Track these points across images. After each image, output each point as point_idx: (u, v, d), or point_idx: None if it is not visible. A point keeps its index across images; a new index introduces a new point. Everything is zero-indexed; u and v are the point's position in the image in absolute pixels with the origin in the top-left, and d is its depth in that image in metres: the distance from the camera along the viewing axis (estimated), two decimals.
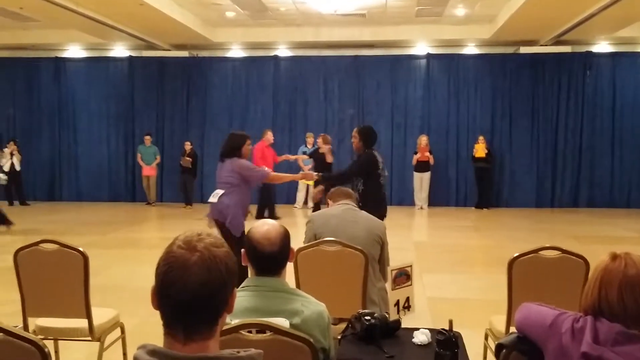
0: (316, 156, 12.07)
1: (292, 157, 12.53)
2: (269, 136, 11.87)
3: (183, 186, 14.43)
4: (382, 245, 3.93)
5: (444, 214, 13.51)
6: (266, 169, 6.43)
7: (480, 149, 14.02)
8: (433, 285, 6.80)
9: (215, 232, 5.20)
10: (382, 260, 3.93)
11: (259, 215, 11.55)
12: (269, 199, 11.82)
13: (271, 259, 2.25)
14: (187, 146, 14.42)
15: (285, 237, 2.30)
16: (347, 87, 15.11)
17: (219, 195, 5.51)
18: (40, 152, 15.75)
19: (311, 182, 7.09)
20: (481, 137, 14.12)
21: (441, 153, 14.59)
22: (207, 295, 1.39)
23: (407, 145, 14.69)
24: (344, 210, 4.02)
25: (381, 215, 5.40)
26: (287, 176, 7.50)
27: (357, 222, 3.91)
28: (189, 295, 1.37)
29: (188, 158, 14.21)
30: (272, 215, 11.47)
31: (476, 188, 14.40)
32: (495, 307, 4.01)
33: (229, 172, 5.53)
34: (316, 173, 6.67)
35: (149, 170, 14.59)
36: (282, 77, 15.30)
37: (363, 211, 4.14)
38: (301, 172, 8.82)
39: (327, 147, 11.87)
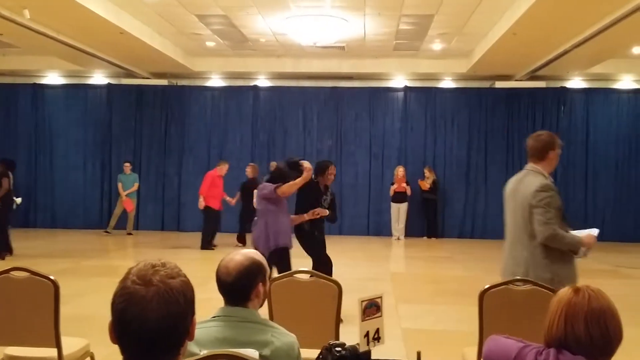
0: (245, 187, 12.03)
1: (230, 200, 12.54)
2: (224, 168, 12.22)
3: None
4: None
5: (420, 245, 13.57)
6: None
7: (423, 184, 14.27)
8: (409, 316, 6.81)
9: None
10: None
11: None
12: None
13: (226, 288, 2.28)
14: None
15: (245, 269, 2.28)
16: (326, 117, 15.23)
17: None
18: (16, 178, 15.48)
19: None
20: (426, 170, 14.37)
21: (418, 184, 14.70)
22: (168, 328, 1.37)
23: (385, 176, 14.77)
24: None
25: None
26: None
27: None
28: (150, 331, 1.35)
29: None
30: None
31: (425, 219, 14.56)
32: (469, 339, 4.02)
33: None
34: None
35: (130, 206, 14.07)
36: (261, 107, 15.37)
37: None
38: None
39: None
